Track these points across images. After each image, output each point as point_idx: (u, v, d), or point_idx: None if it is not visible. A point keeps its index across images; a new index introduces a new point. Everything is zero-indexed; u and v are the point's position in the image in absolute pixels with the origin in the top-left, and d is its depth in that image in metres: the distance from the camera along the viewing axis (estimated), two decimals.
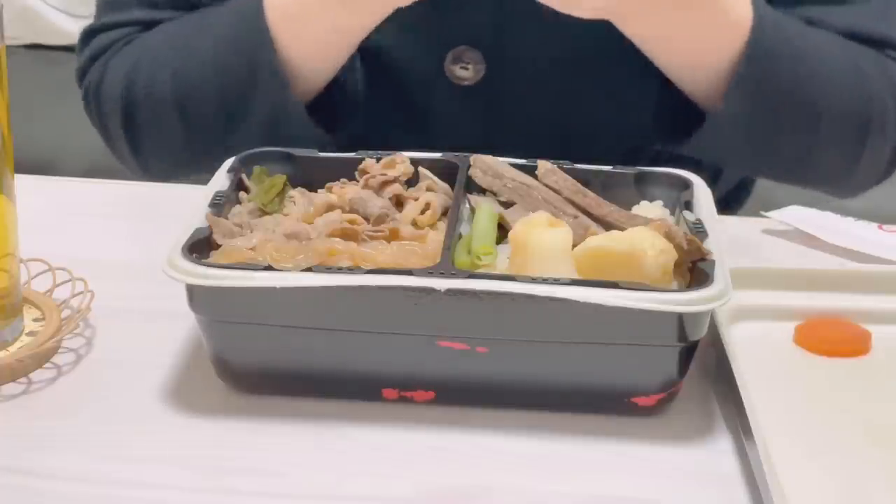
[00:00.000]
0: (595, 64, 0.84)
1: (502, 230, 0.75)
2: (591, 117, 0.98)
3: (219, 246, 0.72)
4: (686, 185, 0.80)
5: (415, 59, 0.95)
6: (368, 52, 0.92)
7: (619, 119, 0.99)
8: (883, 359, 0.75)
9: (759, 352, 0.75)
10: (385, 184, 0.79)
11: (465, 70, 0.94)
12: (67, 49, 2.14)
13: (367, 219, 0.76)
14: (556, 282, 0.66)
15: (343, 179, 0.81)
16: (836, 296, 0.79)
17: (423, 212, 0.76)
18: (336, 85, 0.93)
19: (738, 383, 0.67)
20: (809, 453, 0.66)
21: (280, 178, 0.79)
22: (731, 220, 0.91)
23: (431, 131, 0.98)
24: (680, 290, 0.68)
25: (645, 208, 0.79)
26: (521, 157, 0.80)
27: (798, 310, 0.78)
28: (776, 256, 0.82)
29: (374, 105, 0.98)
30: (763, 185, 1.15)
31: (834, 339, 0.76)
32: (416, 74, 0.96)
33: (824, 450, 0.67)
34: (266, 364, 0.69)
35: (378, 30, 0.83)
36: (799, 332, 0.77)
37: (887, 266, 0.85)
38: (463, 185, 0.78)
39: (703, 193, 0.79)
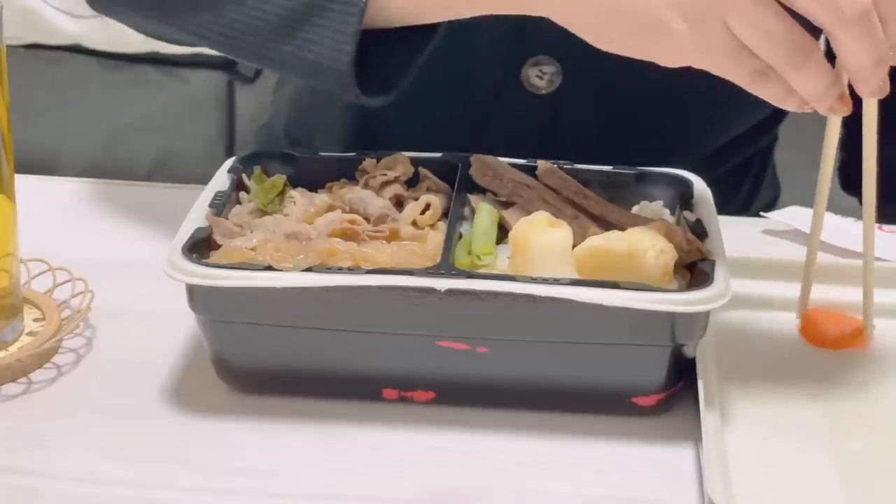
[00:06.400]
0: (671, 85, 0.82)
1: (502, 230, 0.75)
2: (658, 137, 0.97)
3: (219, 246, 0.72)
4: (686, 185, 0.80)
5: (492, 61, 0.94)
6: (444, 42, 0.85)
7: (689, 139, 0.99)
8: (879, 352, 0.76)
9: (738, 338, 0.77)
10: (385, 184, 0.79)
11: (541, 79, 0.93)
12: (67, 49, 2.15)
13: (367, 219, 0.76)
14: (556, 282, 0.66)
15: (343, 179, 0.81)
16: (835, 289, 0.80)
17: (423, 212, 0.76)
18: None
19: (699, 361, 0.69)
20: (764, 435, 0.68)
21: (280, 178, 0.79)
22: (731, 220, 0.91)
23: (489, 132, 0.96)
24: (680, 290, 0.68)
25: (645, 208, 0.79)
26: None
27: (779, 300, 0.80)
28: (776, 257, 0.82)
29: (436, 97, 0.96)
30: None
31: (833, 330, 0.77)
32: (489, 75, 0.95)
33: (783, 433, 0.68)
34: (266, 364, 0.69)
35: (461, 25, 0.80)
36: (800, 323, 0.78)
37: (877, 263, 0.85)
38: (463, 185, 0.78)
39: (703, 193, 0.79)
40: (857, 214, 0.90)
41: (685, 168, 0.82)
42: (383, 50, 0.78)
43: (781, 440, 0.68)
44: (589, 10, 0.69)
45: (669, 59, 0.68)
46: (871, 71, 0.66)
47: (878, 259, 0.87)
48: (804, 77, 0.65)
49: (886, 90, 0.67)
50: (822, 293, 0.79)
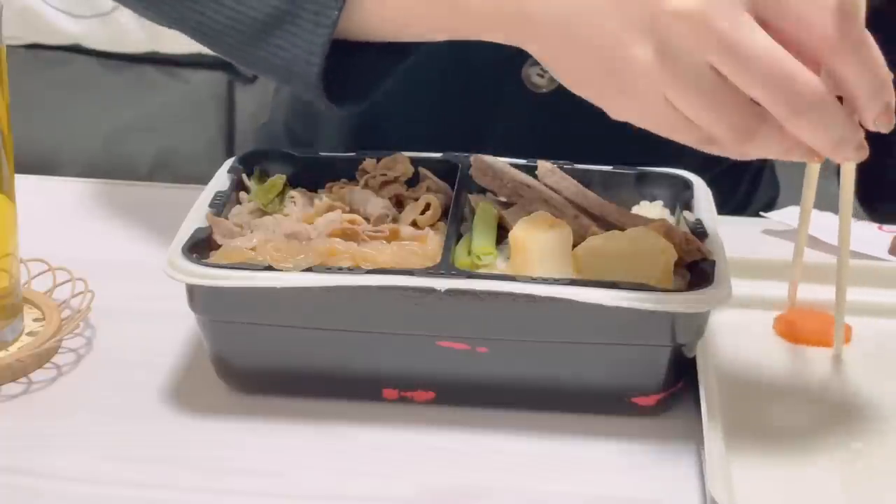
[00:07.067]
0: None
1: (502, 230, 0.75)
2: (657, 136, 0.97)
3: (219, 246, 0.72)
4: (686, 185, 0.80)
5: (493, 60, 0.94)
6: (444, 43, 0.83)
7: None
8: (859, 351, 0.76)
9: (737, 339, 0.77)
10: (385, 184, 0.79)
11: (542, 78, 0.93)
12: (67, 49, 2.15)
13: (367, 219, 0.76)
14: (556, 282, 0.66)
15: (343, 179, 0.81)
16: (816, 287, 0.80)
17: (423, 212, 0.76)
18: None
19: (699, 361, 0.69)
20: (764, 436, 0.68)
21: (280, 178, 0.79)
22: (730, 220, 0.91)
23: (489, 132, 0.96)
24: (680, 290, 0.68)
25: (645, 208, 0.79)
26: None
27: (779, 300, 0.80)
28: (775, 256, 0.82)
29: (442, 97, 0.96)
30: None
31: (812, 328, 0.77)
32: (490, 75, 0.95)
33: (784, 432, 0.68)
34: (266, 364, 0.69)
35: None
36: (778, 322, 0.78)
37: (871, 261, 0.85)
38: (463, 185, 0.78)
39: (703, 193, 0.79)
40: (857, 214, 0.90)
41: (683, 167, 0.82)
42: (356, 60, 0.78)
43: (782, 440, 0.68)
44: (563, 48, 0.67)
45: (641, 106, 0.64)
46: (839, 151, 0.61)
47: (878, 259, 0.88)
48: (811, 127, 0.60)
49: (865, 154, 0.63)
50: (816, 293, 0.79)
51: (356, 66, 0.78)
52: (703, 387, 0.67)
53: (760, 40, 0.59)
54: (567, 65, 0.67)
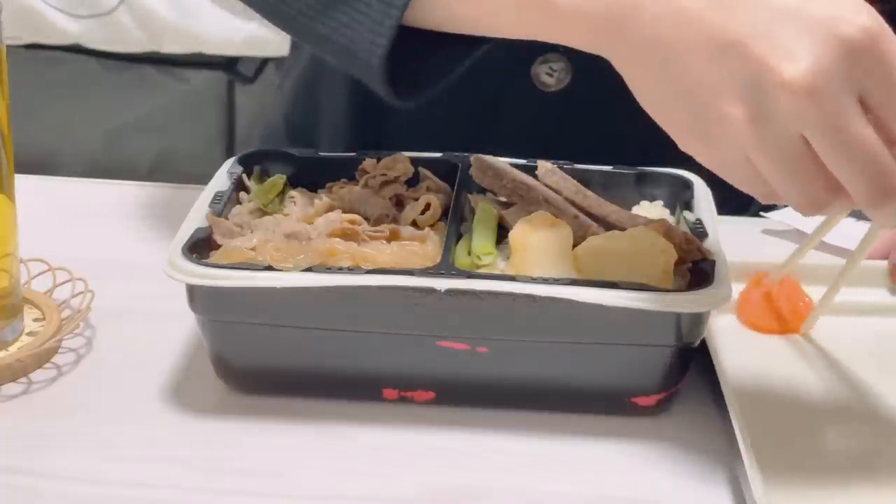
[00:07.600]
0: None
1: (502, 230, 0.75)
2: (663, 135, 0.96)
3: (219, 246, 0.72)
4: (686, 185, 0.80)
5: (503, 59, 0.93)
6: None
7: None
8: (863, 349, 0.76)
9: (762, 339, 0.77)
10: (385, 184, 0.79)
11: (550, 77, 0.93)
12: (67, 49, 2.15)
13: (367, 219, 0.76)
14: (556, 282, 0.66)
15: (343, 179, 0.81)
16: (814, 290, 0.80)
17: (423, 212, 0.76)
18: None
19: (715, 363, 0.69)
20: (788, 433, 0.68)
21: (280, 178, 0.79)
22: (731, 220, 0.91)
23: (496, 130, 0.96)
24: (680, 290, 0.68)
25: (645, 208, 0.79)
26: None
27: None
28: (775, 256, 0.82)
29: (448, 93, 0.95)
30: None
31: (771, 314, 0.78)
32: (499, 73, 0.94)
33: (804, 431, 0.68)
34: (266, 364, 0.69)
35: None
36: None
37: (875, 262, 0.85)
38: (463, 185, 0.78)
39: (703, 193, 0.79)
40: (857, 214, 0.90)
41: (685, 166, 0.82)
42: (422, 50, 0.74)
43: (804, 438, 0.67)
44: (651, 75, 0.63)
45: (717, 156, 0.62)
46: None
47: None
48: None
49: None
50: (811, 294, 0.79)
51: (422, 56, 0.74)
52: (724, 387, 0.67)
53: (862, 131, 0.58)
54: (649, 91, 0.64)
